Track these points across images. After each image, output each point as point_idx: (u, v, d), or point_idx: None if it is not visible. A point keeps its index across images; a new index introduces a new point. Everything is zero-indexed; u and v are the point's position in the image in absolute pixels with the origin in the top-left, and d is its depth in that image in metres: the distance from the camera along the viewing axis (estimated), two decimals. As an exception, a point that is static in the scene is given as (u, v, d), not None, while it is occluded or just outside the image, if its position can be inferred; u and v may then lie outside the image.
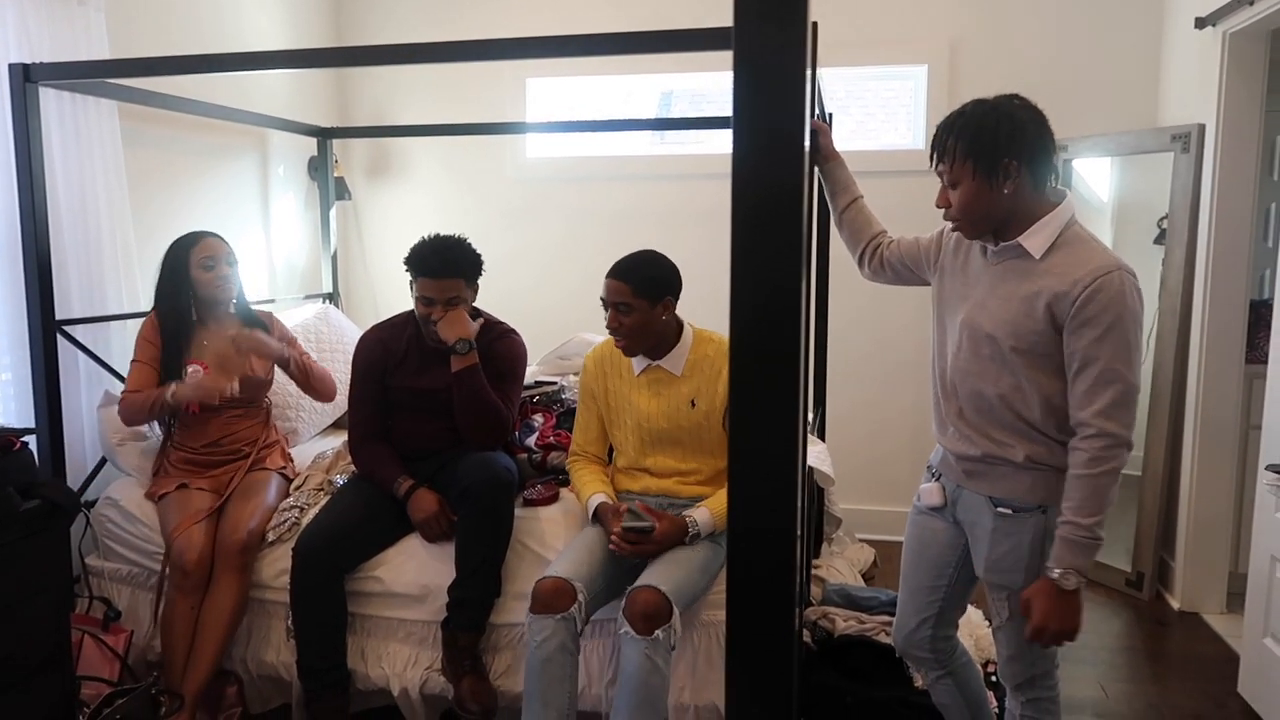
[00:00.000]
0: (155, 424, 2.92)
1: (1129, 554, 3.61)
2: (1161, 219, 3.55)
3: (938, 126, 1.80)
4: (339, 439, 3.14)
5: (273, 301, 2.85)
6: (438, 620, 2.49)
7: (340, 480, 2.79)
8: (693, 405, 2.43)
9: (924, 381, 3.84)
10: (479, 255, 2.63)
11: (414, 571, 2.53)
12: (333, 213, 4.21)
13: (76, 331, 2.78)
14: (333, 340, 3.52)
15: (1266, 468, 2.41)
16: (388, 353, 2.67)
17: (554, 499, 2.66)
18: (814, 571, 3.23)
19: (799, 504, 0.53)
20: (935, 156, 1.81)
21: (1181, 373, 3.46)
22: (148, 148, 3.23)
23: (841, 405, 4.04)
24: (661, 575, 2.21)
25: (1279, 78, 3.33)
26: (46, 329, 2.63)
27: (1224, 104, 3.20)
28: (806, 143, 0.54)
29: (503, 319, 2.78)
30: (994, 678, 2.32)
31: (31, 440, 2.62)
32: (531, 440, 2.84)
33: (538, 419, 2.91)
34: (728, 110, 0.56)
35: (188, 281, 2.71)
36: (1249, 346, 3.34)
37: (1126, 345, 1.68)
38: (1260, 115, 3.19)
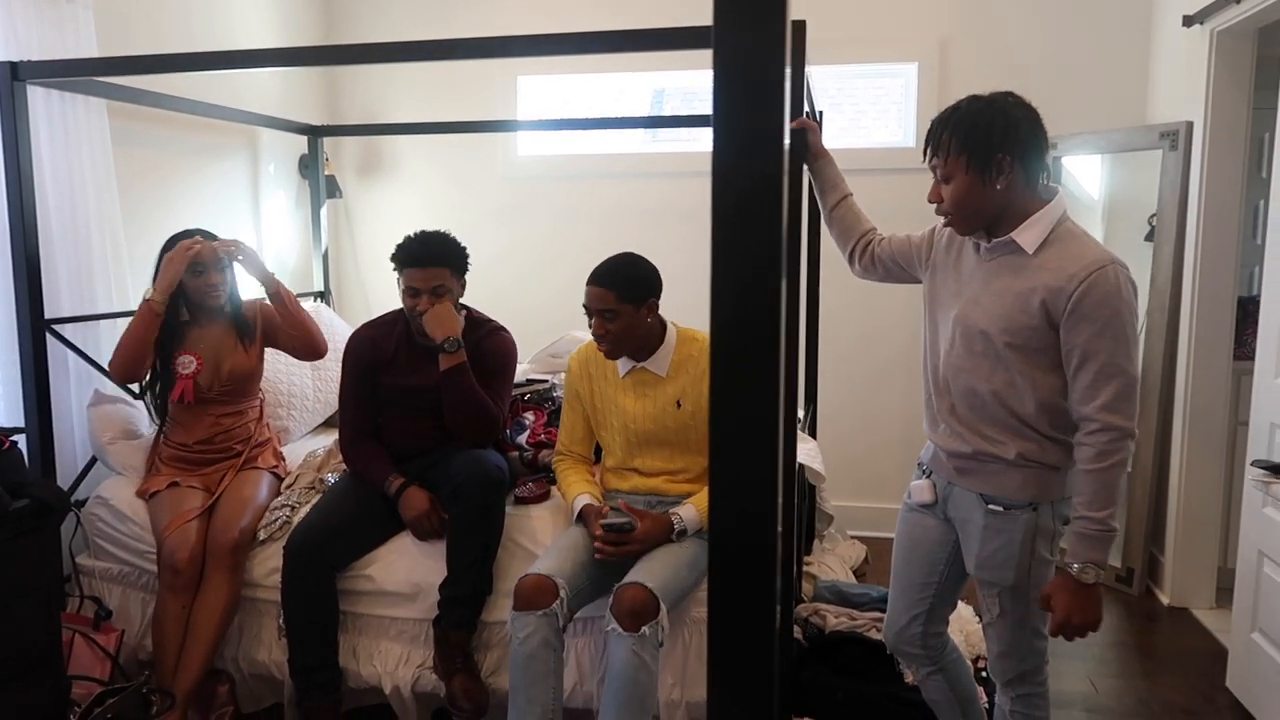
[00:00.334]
0: (147, 420, 2.92)
1: (1119, 550, 3.63)
2: (1152, 216, 3.56)
3: (932, 121, 1.81)
4: (330, 437, 3.14)
5: (256, 300, 2.86)
6: (429, 618, 2.49)
7: (331, 479, 2.79)
8: (679, 405, 2.43)
9: (915, 379, 3.86)
10: (464, 248, 2.64)
11: (405, 570, 2.53)
12: (324, 211, 4.20)
13: (66, 330, 2.77)
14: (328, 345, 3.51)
15: (1251, 463, 2.43)
16: (378, 350, 2.67)
17: (545, 497, 2.66)
18: (805, 568, 3.24)
19: (780, 501, 0.53)
20: (929, 151, 1.82)
21: (1170, 369, 3.48)
22: (137, 146, 3.23)
23: (833, 403, 4.05)
24: (649, 572, 2.22)
25: (1266, 75, 3.35)
26: (35, 328, 2.62)
27: (1211, 102, 3.21)
28: (786, 143, 0.55)
29: (494, 317, 2.78)
30: (984, 673, 2.33)
31: (21, 439, 2.62)
32: (523, 438, 2.84)
33: (529, 417, 2.91)
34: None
35: (178, 284, 2.70)
36: (1237, 343, 3.36)
37: (1125, 338, 1.69)
38: (1247, 113, 3.21)
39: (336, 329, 3.61)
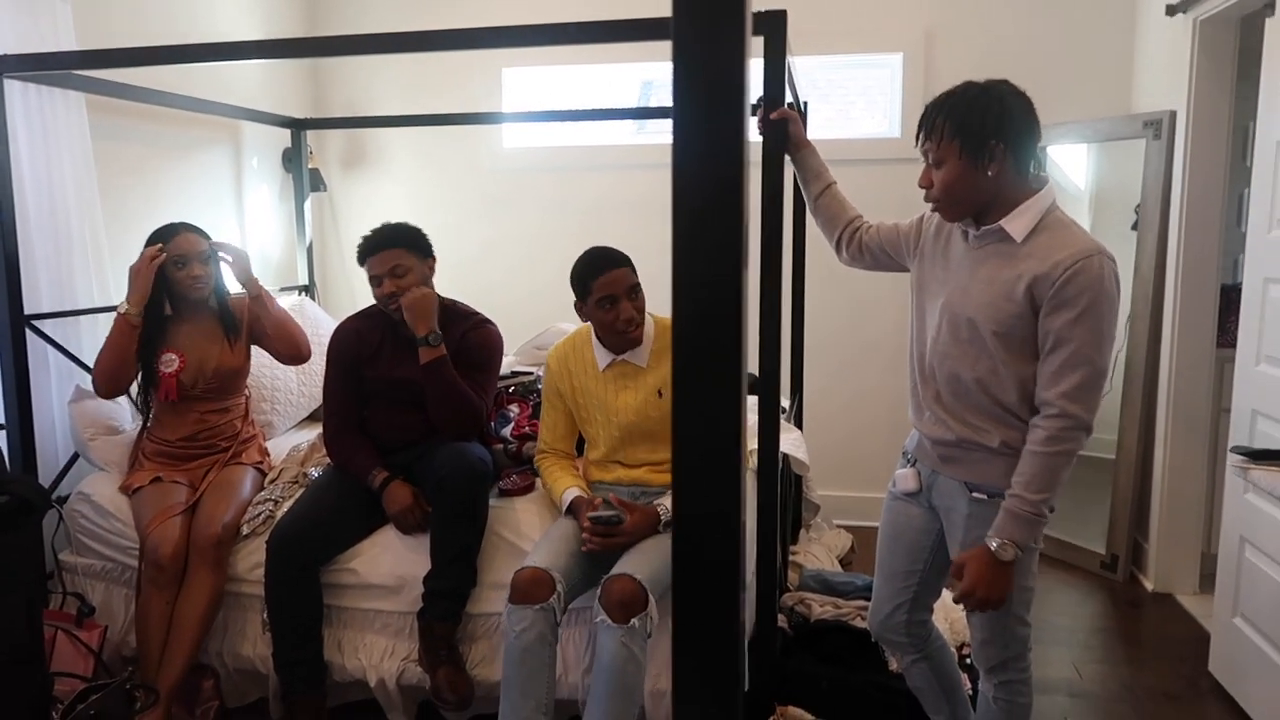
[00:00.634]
0: (129, 416, 2.91)
1: (1103, 537, 3.66)
2: (1138, 206, 3.57)
3: (927, 105, 1.81)
4: (314, 431, 3.13)
5: (243, 295, 2.85)
6: (414, 611, 2.49)
7: (315, 473, 2.78)
8: (660, 395, 2.43)
9: (901, 368, 3.87)
10: (418, 229, 2.65)
11: (389, 563, 2.53)
12: (308, 205, 4.18)
13: (46, 326, 2.76)
14: (309, 332, 3.49)
15: (1231, 449, 2.44)
16: (362, 343, 2.67)
17: (529, 489, 2.66)
18: (792, 557, 3.26)
19: (743, 506, 0.53)
20: (922, 135, 1.81)
21: (1154, 357, 3.50)
22: (118, 140, 3.20)
23: (819, 392, 4.06)
24: (637, 564, 2.22)
25: (1249, 64, 3.35)
26: (15, 324, 2.60)
27: (1194, 91, 3.22)
28: (746, 139, 0.55)
29: (479, 309, 2.77)
30: (968, 660, 2.34)
31: (1, 436, 2.61)
32: (507, 430, 2.84)
33: (514, 409, 2.90)
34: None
35: (161, 276, 2.69)
36: (1220, 331, 3.37)
37: (1099, 330, 1.70)
38: (1230, 101, 3.22)
39: (321, 323, 3.60)
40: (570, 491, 2.43)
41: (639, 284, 2.40)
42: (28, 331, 2.66)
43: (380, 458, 2.62)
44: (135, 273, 2.64)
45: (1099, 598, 3.47)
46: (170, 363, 2.68)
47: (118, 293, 2.87)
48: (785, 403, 3.31)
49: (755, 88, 2.11)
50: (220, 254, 2.77)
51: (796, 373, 3.58)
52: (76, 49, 2.81)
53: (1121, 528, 3.60)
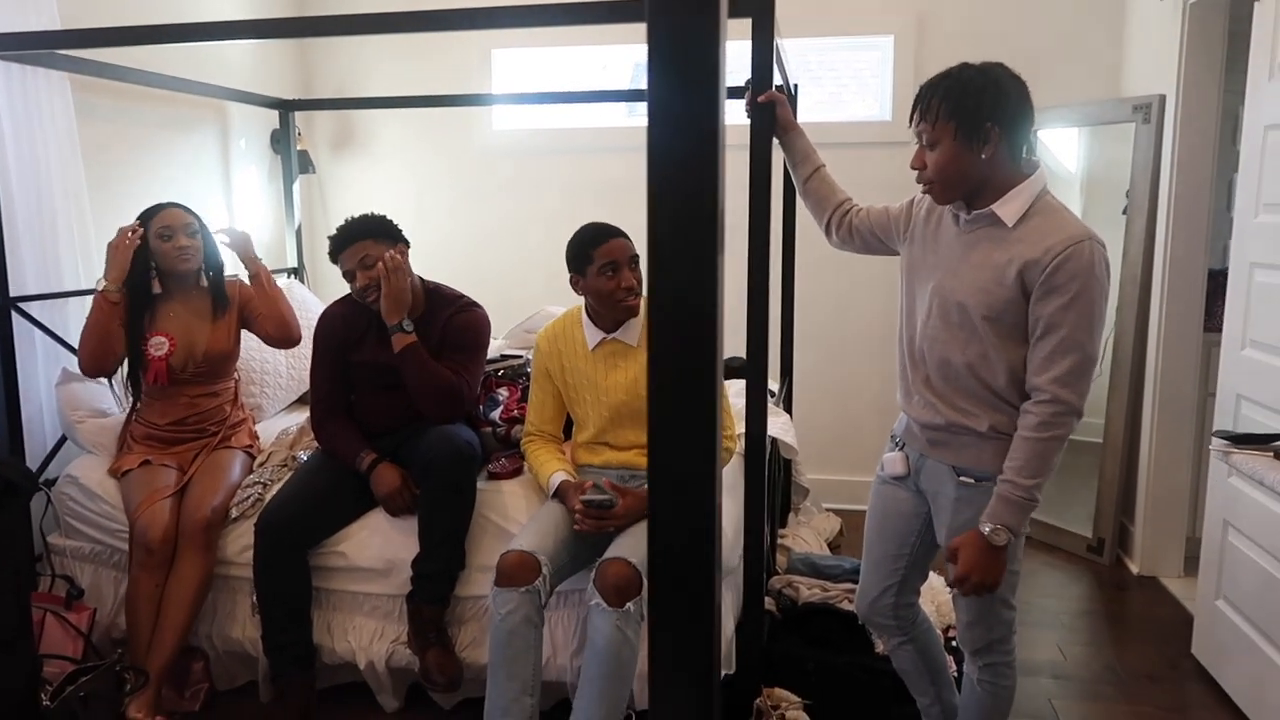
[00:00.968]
0: (114, 400, 2.90)
1: (1090, 520, 3.68)
2: (1129, 190, 3.58)
3: (922, 86, 1.80)
4: (303, 415, 3.12)
5: (235, 277, 2.83)
6: (402, 594, 2.50)
7: (304, 456, 2.78)
8: None
9: (891, 352, 3.87)
10: (384, 216, 2.65)
11: (378, 546, 2.54)
12: (296, 186, 4.16)
13: (32, 308, 2.74)
14: (298, 315, 3.48)
15: (1214, 434, 2.46)
16: (347, 328, 2.66)
17: (518, 472, 2.67)
18: (780, 540, 3.27)
19: (718, 472, 0.54)
20: (917, 115, 1.81)
21: (1141, 341, 3.51)
22: (103, 121, 3.18)
23: (809, 376, 4.06)
24: (631, 547, 2.22)
25: (1238, 49, 3.35)
26: (1, 307, 2.59)
27: (1184, 75, 3.22)
28: (723, 120, 0.54)
29: (468, 292, 2.77)
30: (954, 643, 2.36)
31: (-13, 419, 2.59)
32: (496, 414, 2.83)
33: (503, 392, 2.90)
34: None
35: (147, 252, 2.68)
36: (1208, 315, 3.38)
37: (1090, 316, 1.70)
38: (1219, 86, 3.22)
39: (310, 305, 3.59)
40: (557, 475, 2.43)
41: (638, 255, 2.40)
42: (14, 314, 2.65)
43: (367, 441, 2.62)
44: (113, 249, 2.63)
45: (1085, 581, 3.50)
46: (160, 346, 2.67)
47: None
48: (774, 386, 3.31)
49: (744, 70, 2.10)
50: (219, 237, 2.77)
51: (786, 357, 3.58)
52: (60, 29, 2.78)
53: (1108, 511, 3.63)
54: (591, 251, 2.37)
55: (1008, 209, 1.77)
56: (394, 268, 2.51)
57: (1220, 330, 2.82)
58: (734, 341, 2.05)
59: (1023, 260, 1.72)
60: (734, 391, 2.71)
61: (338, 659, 2.56)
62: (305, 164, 4.23)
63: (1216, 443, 2.38)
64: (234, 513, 2.61)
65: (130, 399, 2.80)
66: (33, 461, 2.75)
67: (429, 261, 2.69)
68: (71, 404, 2.78)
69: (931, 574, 2.57)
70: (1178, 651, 2.93)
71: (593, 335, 2.47)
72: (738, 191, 2.06)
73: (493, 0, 2.48)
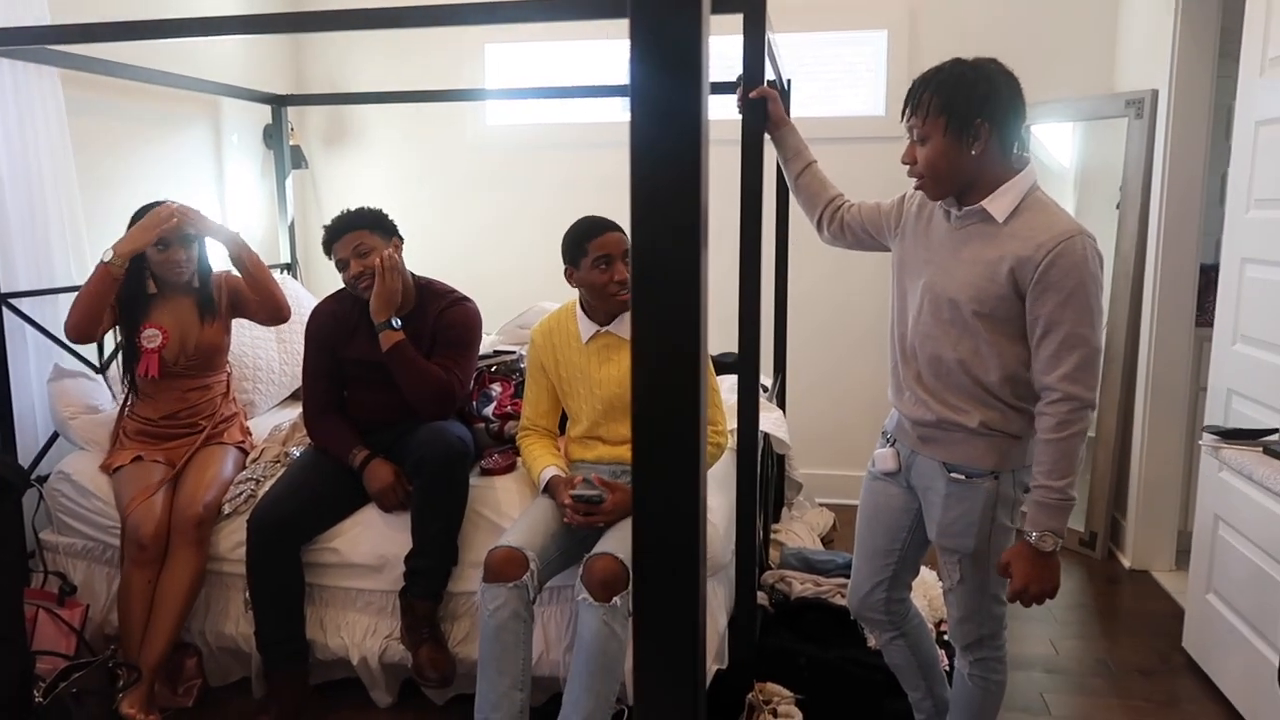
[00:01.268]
0: (108, 395, 2.90)
1: (1083, 514, 3.69)
2: (1123, 184, 3.58)
3: (914, 81, 1.81)
4: (296, 410, 3.12)
5: (224, 272, 2.84)
6: (395, 590, 2.50)
7: (297, 452, 2.78)
8: None
9: (884, 347, 3.88)
10: (380, 210, 2.65)
11: (371, 542, 2.54)
12: (289, 182, 4.15)
13: (24, 304, 2.73)
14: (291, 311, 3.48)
15: (1204, 429, 2.46)
16: (338, 325, 2.66)
17: (511, 468, 2.67)
18: (773, 535, 3.27)
19: (702, 466, 0.54)
20: (908, 110, 1.81)
21: (1134, 336, 3.52)
22: (94, 116, 3.16)
23: (802, 371, 4.07)
24: (619, 543, 2.23)
25: (1231, 43, 3.36)
26: (-9, 303, 2.59)
27: (1176, 70, 3.22)
28: (706, 114, 0.54)
29: (461, 287, 2.76)
30: (945, 637, 2.36)
31: (-22, 416, 2.58)
32: (489, 409, 2.83)
33: (496, 388, 2.90)
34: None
35: (142, 255, 2.66)
36: (1200, 310, 3.39)
37: (1089, 309, 1.71)
38: (1212, 81, 3.22)
39: (303, 300, 3.58)
40: (548, 470, 2.43)
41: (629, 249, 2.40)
42: (5, 310, 2.64)
43: (360, 437, 2.61)
44: (140, 226, 2.58)
45: (1077, 574, 3.51)
46: (153, 338, 2.67)
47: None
48: (767, 382, 3.32)
49: (735, 65, 2.10)
50: (194, 227, 2.72)
51: (779, 352, 3.58)
52: (50, 23, 2.77)
53: (1100, 506, 3.64)
54: (585, 244, 2.37)
55: (998, 205, 1.77)
56: (390, 266, 2.51)
57: (1212, 325, 2.82)
58: (727, 337, 2.05)
59: (1015, 257, 1.73)
60: (726, 387, 2.71)
61: (331, 655, 2.56)
62: (298, 159, 4.23)
63: (1207, 438, 2.39)
64: (226, 509, 2.61)
65: (126, 392, 2.79)
66: (24, 458, 2.74)
67: (421, 257, 2.69)
68: (64, 400, 2.77)
69: (923, 569, 2.58)
70: (1169, 645, 2.94)
71: (586, 328, 2.47)
72: (730, 187, 2.07)
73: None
